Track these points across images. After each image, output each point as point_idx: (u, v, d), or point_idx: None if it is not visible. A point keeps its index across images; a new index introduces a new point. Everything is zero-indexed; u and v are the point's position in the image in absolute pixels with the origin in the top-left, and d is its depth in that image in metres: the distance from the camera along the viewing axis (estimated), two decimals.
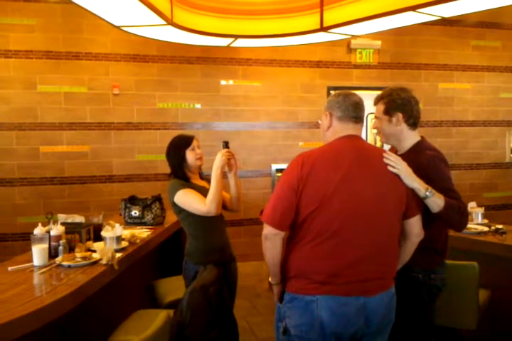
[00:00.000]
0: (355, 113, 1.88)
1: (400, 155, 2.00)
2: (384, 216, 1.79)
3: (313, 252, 1.74)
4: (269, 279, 1.99)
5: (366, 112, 2.00)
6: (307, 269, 1.76)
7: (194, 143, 2.64)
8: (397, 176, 1.84)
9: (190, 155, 2.61)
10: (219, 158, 2.44)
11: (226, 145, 2.52)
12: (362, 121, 1.91)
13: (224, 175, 2.50)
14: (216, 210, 2.43)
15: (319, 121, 1.98)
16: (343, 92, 1.95)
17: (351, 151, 1.81)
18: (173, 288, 2.95)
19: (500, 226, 3.11)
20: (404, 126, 2.17)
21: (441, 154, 2.14)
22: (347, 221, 1.73)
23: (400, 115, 2.14)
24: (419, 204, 1.91)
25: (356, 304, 1.72)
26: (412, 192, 1.88)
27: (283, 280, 1.88)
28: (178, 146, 2.63)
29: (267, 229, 1.78)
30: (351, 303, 1.72)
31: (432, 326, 2.28)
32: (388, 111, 2.16)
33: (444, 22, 5.68)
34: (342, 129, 1.88)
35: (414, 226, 1.88)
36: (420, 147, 2.19)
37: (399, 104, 2.14)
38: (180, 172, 2.62)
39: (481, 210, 3.43)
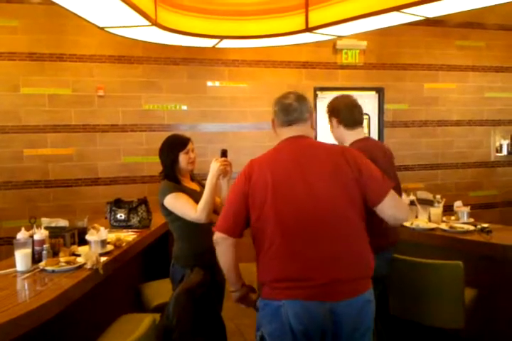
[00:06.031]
0: (285, 117, 1.91)
1: None
2: (337, 215, 1.74)
3: (272, 260, 1.75)
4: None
5: None
6: (269, 278, 1.76)
7: (189, 146, 2.60)
8: (348, 172, 1.77)
9: (183, 159, 2.57)
10: (216, 168, 2.38)
11: (224, 153, 2.44)
12: (296, 123, 1.91)
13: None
14: (206, 219, 2.39)
15: None
16: (278, 97, 1.98)
17: (290, 153, 1.84)
18: (161, 291, 2.92)
19: (485, 225, 3.12)
20: (342, 128, 2.46)
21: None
22: (294, 225, 1.71)
23: (335, 119, 2.48)
24: (384, 188, 1.82)
25: (322, 309, 1.69)
26: (373, 178, 1.81)
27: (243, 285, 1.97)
28: (172, 147, 2.59)
29: (215, 234, 1.83)
30: (316, 308, 1.69)
31: (389, 315, 2.34)
32: (328, 118, 2.53)
33: (429, 22, 5.70)
34: (282, 134, 1.95)
35: (383, 212, 1.82)
36: (352, 145, 2.40)
37: (330, 111, 2.51)
38: (171, 174, 2.58)
39: (466, 209, 3.46)
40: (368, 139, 2.55)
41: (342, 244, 1.75)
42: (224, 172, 2.44)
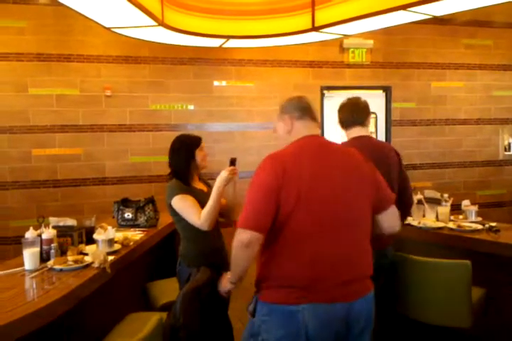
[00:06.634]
0: (311, 113, 1.92)
1: None
2: (357, 215, 1.77)
3: (291, 256, 1.70)
4: (229, 276, 1.97)
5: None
6: (283, 275, 1.71)
7: (202, 143, 2.65)
8: (363, 173, 1.83)
9: (199, 155, 2.60)
10: (224, 176, 2.39)
11: (233, 162, 2.45)
12: (315, 119, 1.94)
13: None
14: (209, 227, 2.40)
15: (278, 128, 2.00)
16: (295, 96, 2.00)
17: (315, 150, 1.82)
18: (167, 290, 2.93)
19: (493, 224, 3.10)
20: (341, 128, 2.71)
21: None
22: (322, 223, 1.70)
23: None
24: (392, 195, 1.95)
25: (339, 311, 1.69)
26: (383, 184, 1.91)
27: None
28: (189, 145, 2.61)
29: (249, 234, 1.66)
30: (335, 310, 1.68)
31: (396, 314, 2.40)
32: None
33: (436, 21, 5.67)
34: (300, 128, 1.90)
35: (383, 219, 1.90)
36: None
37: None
38: (185, 172, 2.58)
39: (474, 208, 3.43)
40: (361, 138, 2.57)
41: (357, 244, 1.77)
42: (231, 180, 2.46)
